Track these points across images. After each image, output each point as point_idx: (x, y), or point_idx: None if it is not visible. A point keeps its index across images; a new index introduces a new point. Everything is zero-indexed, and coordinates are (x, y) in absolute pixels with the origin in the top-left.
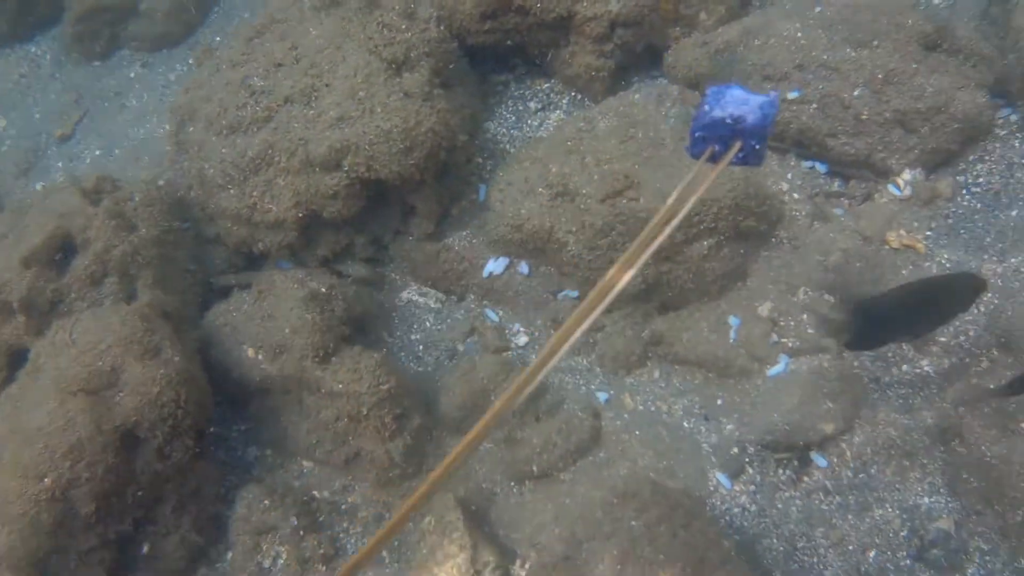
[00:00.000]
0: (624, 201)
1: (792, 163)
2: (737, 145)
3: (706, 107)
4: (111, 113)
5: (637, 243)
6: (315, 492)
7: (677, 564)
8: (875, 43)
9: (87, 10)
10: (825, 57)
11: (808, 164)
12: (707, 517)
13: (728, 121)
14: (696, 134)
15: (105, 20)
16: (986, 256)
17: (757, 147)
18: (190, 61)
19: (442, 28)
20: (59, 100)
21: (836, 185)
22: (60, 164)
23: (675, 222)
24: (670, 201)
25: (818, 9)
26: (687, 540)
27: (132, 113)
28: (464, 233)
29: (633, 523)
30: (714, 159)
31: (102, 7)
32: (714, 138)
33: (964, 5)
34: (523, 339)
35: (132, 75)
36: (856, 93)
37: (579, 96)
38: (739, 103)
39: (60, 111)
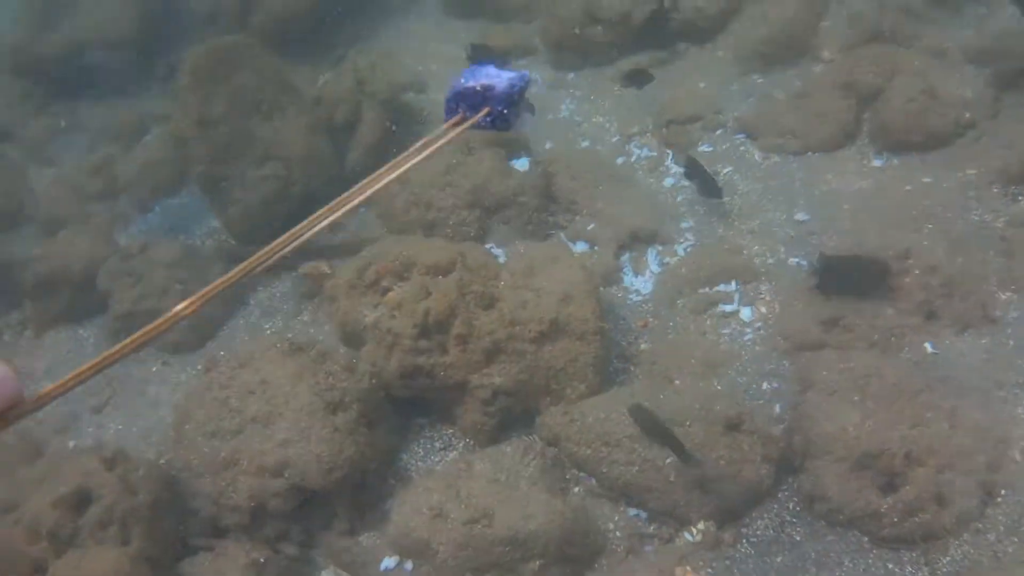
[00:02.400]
0: (479, 527)
1: (621, 509)
2: (485, 110)
3: (461, 79)
4: (134, 397)
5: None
6: None
7: None
8: (687, 423)
9: (126, 313)
10: None
11: (632, 512)
12: None
13: (478, 89)
14: (449, 102)
15: (141, 323)
16: None
17: (505, 112)
18: (199, 367)
19: (373, 381)
20: (95, 379)
21: (651, 528)
22: (91, 429)
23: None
24: (417, 146)
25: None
26: None
27: (149, 400)
28: (372, 533)
29: None
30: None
31: (140, 311)
32: (465, 105)
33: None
34: None
35: (154, 369)
36: (668, 460)
37: (471, 442)
38: (491, 77)
39: (96, 388)
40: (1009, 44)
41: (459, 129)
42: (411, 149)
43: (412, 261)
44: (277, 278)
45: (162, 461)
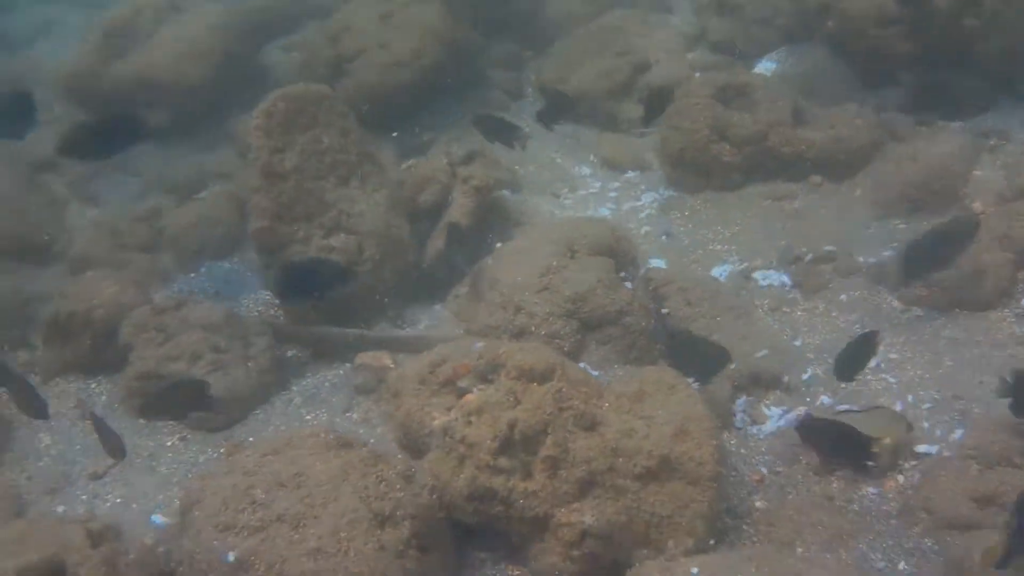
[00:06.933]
0: None
1: None
2: None
3: None
4: (141, 471)
5: None
6: None
7: None
8: None
9: (147, 373)
10: None
11: None
12: None
13: None
14: None
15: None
16: None
17: None
18: (221, 450)
19: (433, 497)
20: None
21: None
22: (84, 497)
23: None
24: None
25: None
26: None
27: (159, 477)
28: None
29: None
30: None
31: (163, 375)
32: None
33: None
34: None
35: (169, 443)
36: None
37: None
38: None
39: (100, 451)
40: None
41: None
42: None
43: (500, 362)
44: (328, 366)
45: (160, 550)
